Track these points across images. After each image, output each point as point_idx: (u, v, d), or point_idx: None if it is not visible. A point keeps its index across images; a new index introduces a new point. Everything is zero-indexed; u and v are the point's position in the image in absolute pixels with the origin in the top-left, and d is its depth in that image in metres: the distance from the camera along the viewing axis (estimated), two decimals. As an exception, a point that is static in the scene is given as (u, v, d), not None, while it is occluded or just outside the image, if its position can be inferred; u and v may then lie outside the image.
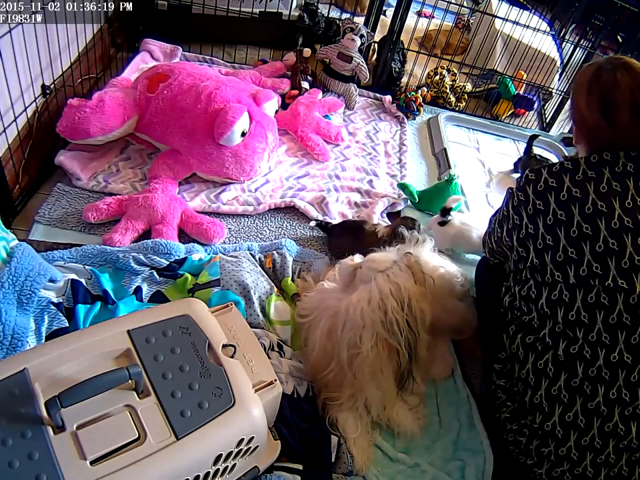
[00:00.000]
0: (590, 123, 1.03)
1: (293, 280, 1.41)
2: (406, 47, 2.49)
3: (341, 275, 1.18)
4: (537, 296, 1.04)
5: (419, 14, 3.06)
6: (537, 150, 2.20)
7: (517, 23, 2.55)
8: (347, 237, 1.52)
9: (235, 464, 0.86)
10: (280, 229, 1.62)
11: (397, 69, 2.46)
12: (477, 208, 1.92)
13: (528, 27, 2.58)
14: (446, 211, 1.60)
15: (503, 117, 2.67)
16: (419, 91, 2.46)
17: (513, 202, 1.09)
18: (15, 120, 1.36)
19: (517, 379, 1.08)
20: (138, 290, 1.27)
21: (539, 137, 2.37)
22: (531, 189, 1.04)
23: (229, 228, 1.56)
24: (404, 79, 2.57)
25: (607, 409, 0.95)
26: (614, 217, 0.95)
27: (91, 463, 0.70)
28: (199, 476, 0.78)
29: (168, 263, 1.34)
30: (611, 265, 0.94)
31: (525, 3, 3.37)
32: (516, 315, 1.11)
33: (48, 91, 1.53)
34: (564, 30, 2.98)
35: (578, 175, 1.00)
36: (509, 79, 2.63)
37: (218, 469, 0.82)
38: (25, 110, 1.42)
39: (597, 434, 0.96)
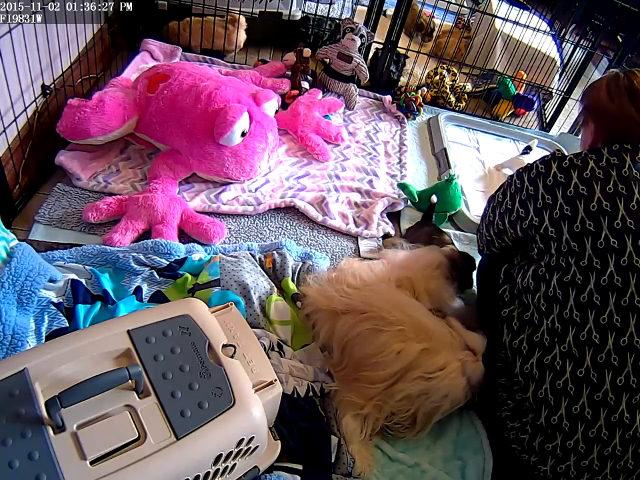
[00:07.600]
0: (613, 111, 1.06)
1: (293, 280, 1.41)
2: (406, 46, 2.49)
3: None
4: (545, 281, 1.05)
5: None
6: (538, 150, 2.21)
7: (517, 23, 2.55)
8: (426, 233, 1.61)
9: (235, 464, 0.86)
10: (280, 228, 1.62)
11: (396, 74, 2.47)
12: (477, 208, 1.92)
13: (528, 26, 2.58)
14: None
15: (503, 117, 2.67)
16: (419, 90, 2.46)
17: (521, 196, 1.10)
18: (15, 120, 1.36)
19: (518, 373, 1.07)
20: (138, 290, 1.27)
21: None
22: (541, 182, 1.06)
23: (229, 228, 1.56)
24: (403, 79, 2.57)
25: (614, 396, 0.95)
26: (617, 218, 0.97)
27: (91, 462, 0.70)
28: (198, 476, 0.78)
29: (168, 263, 1.34)
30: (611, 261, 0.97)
31: (524, 2, 3.37)
32: (517, 305, 1.12)
33: (48, 91, 1.53)
34: (564, 30, 2.98)
35: (586, 172, 1.01)
36: (509, 79, 2.63)
37: (218, 469, 0.82)
38: (25, 110, 1.42)
39: (603, 425, 0.96)
